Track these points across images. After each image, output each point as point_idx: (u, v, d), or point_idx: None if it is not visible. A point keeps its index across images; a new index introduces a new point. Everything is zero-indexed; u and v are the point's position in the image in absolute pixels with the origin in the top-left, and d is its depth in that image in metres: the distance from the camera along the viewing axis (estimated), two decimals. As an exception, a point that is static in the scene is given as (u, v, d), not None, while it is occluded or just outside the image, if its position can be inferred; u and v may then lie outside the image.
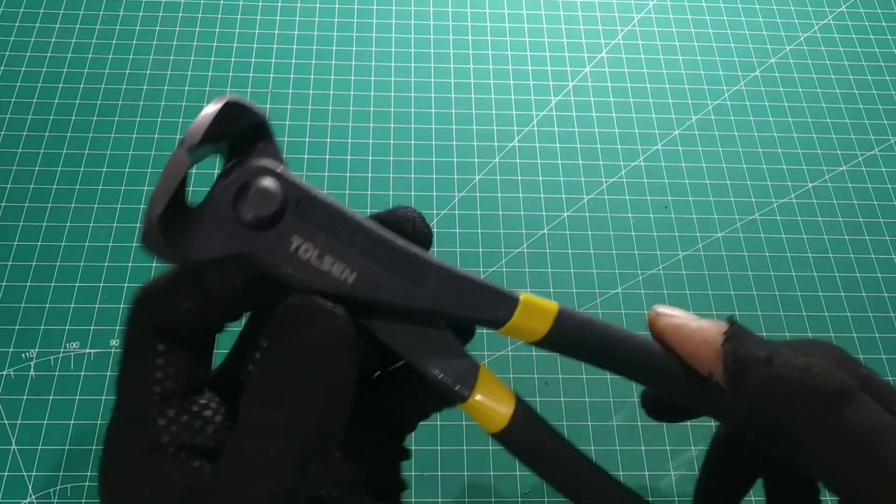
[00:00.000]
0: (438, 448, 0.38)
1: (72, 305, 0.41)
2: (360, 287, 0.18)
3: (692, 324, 0.20)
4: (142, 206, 0.44)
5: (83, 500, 0.36)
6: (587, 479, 0.19)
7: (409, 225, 0.20)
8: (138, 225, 0.17)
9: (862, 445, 0.17)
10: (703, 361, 0.20)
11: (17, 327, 0.40)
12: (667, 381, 0.20)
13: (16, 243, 0.43)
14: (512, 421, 0.19)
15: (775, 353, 0.18)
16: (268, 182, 0.19)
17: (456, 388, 0.19)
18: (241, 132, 0.19)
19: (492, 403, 0.19)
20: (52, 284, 0.41)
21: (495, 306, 0.19)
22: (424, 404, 0.21)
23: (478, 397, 0.19)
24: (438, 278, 0.19)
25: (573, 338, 0.20)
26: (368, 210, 0.45)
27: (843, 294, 0.44)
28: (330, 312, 0.17)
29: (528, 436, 0.19)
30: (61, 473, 0.37)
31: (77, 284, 0.41)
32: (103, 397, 0.38)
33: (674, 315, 0.21)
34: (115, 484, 0.19)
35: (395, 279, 0.19)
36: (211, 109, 0.18)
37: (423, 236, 0.20)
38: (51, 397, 0.38)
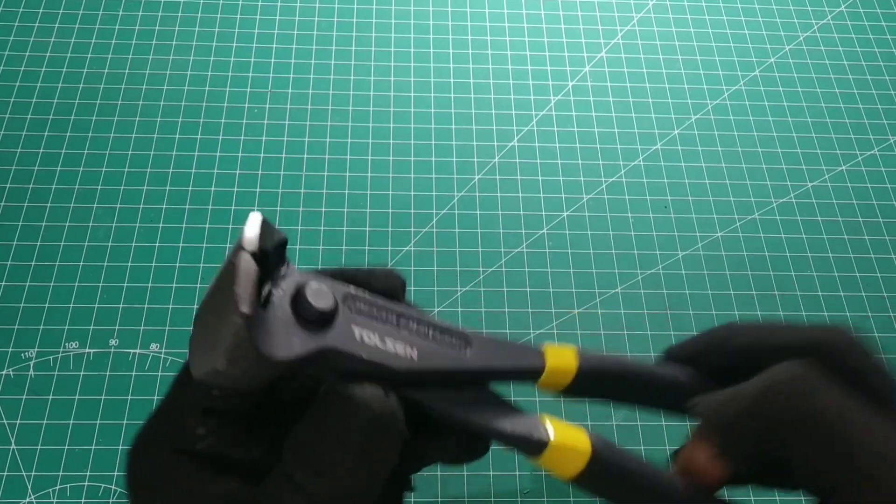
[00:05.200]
0: (438, 448, 0.38)
1: (71, 305, 0.41)
2: (424, 360, 0.20)
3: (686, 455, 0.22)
4: (141, 205, 0.44)
5: (83, 500, 0.36)
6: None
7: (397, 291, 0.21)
8: (194, 344, 0.17)
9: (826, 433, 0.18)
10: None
11: (16, 327, 0.40)
12: (677, 405, 0.22)
13: (15, 243, 0.42)
14: (592, 458, 0.20)
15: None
16: (317, 283, 0.20)
17: (534, 437, 0.20)
18: (271, 250, 0.20)
19: (571, 443, 0.20)
20: (52, 284, 0.41)
21: (531, 358, 0.21)
22: (456, 455, 0.22)
23: (557, 440, 0.20)
24: (479, 343, 0.21)
25: (596, 379, 0.22)
26: (368, 209, 0.45)
27: (842, 294, 0.44)
28: (385, 400, 0.18)
29: (608, 471, 0.20)
30: (61, 473, 0.37)
31: (76, 284, 0.41)
32: (102, 397, 0.38)
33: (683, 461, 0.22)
34: (146, 481, 0.19)
35: (444, 350, 0.20)
36: (253, 224, 0.19)
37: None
38: (50, 397, 0.38)
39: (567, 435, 0.20)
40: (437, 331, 0.20)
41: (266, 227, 0.19)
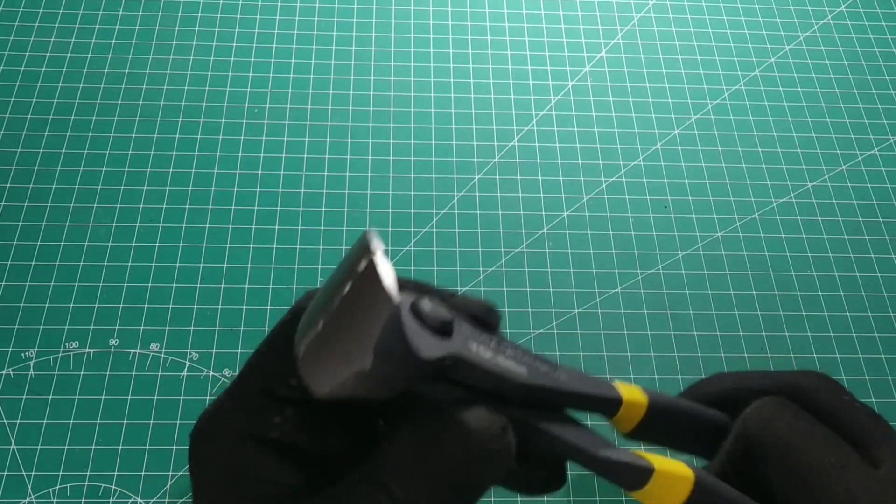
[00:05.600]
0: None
1: (71, 305, 0.41)
2: (534, 377, 0.20)
3: None
4: (141, 205, 0.44)
5: (83, 500, 0.36)
6: None
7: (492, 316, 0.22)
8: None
9: None
10: None
11: (16, 327, 0.40)
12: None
13: (15, 243, 0.42)
14: (696, 484, 0.20)
15: None
16: (427, 299, 0.20)
17: (639, 464, 0.20)
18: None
19: (674, 469, 0.20)
20: (52, 284, 0.41)
21: (607, 387, 0.22)
22: (539, 485, 0.22)
23: (661, 467, 0.20)
24: (563, 369, 0.21)
25: (664, 413, 0.23)
26: (368, 209, 0.45)
27: (842, 293, 0.44)
28: (500, 435, 0.18)
29: (711, 497, 0.20)
30: (60, 473, 0.37)
31: (76, 284, 0.41)
32: (102, 397, 0.38)
33: None
34: (212, 466, 0.19)
35: (543, 370, 0.21)
36: (381, 262, 0.19)
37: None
38: (50, 397, 0.38)
39: (667, 462, 0.20)
40: (529, 355, 0.21)
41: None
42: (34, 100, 0.47)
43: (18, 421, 0.38)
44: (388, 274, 0.18)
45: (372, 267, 0.18)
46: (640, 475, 0.20)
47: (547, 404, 0.21)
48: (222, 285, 0.42)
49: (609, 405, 0.22)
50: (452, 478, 0.18)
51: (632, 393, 0.22)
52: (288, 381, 0.19)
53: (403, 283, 0.20)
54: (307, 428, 0.19)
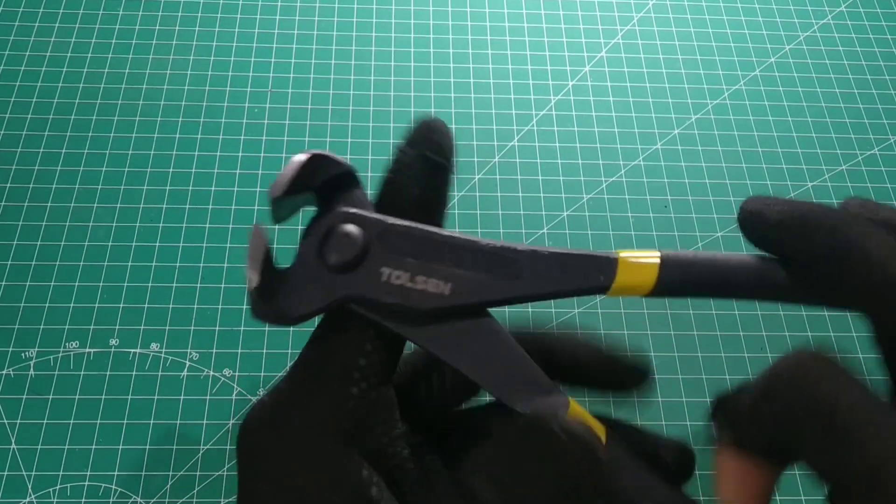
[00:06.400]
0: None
1: (71, 305, 0.41)
2: (457, 296, 0.19)
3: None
4: (141, 204, 0.44)
5: (83, 500, 0.36)
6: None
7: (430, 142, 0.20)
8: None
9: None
10: None
11: (16, 327, 0.40)
12: (774, 288, 0.21)
13: (15, 243, 0.42)
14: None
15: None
16: (348, 226, 0.20)
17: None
18: (327, 183, 0.20)
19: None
20: (52, 284, 0.41)
21: (595, 272, 0.20)
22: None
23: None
24: (532, 264, 0.19)
25: (682, 283, 0.20)
26: (368, 209, 0.45)
27: (842, 294, 0.44)
28: (592, 448, 0.18)
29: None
30: (61, 473, 0.37)
31: (76, 284, 0.41)
32: (103, 397, 0.38)
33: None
34: (275, 463, 0.17)
35: (491, 278, 0.19)
36: (295, 162, 0.19)
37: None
38: (50, 397, 0.38)
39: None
40: (483, 257, 0.19)
41: (318, 162, 0.20)
42: (34, 100, 0.47)
43: (18, 421, 0.38)
44: (256, 249, 0.18)
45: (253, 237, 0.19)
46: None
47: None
48: (222, 285, 0.42)
49: (591, 292, 0.20)
50: (543, 493, 0.17)
51: (634, 275, 0.20)
52: (365, 370, 0.19)
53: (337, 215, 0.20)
54: (379, 417, 0.19)
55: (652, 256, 0.20)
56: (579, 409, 0.20)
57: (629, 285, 0.20)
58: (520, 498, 0.17)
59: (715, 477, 0.20)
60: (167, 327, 0.40)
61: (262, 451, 0.18)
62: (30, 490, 0.36)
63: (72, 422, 0.38)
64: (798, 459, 0.18)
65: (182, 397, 0.39)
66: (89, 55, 0.49)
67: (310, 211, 0.21)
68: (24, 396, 0.38)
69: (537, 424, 0.18)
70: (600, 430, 0.20)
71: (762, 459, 0.19)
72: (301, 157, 0.19)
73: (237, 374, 0.39)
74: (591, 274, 0.20)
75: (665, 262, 0.20)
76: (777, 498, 0.38)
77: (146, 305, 0.41)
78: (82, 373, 0.39)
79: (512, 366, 0.20)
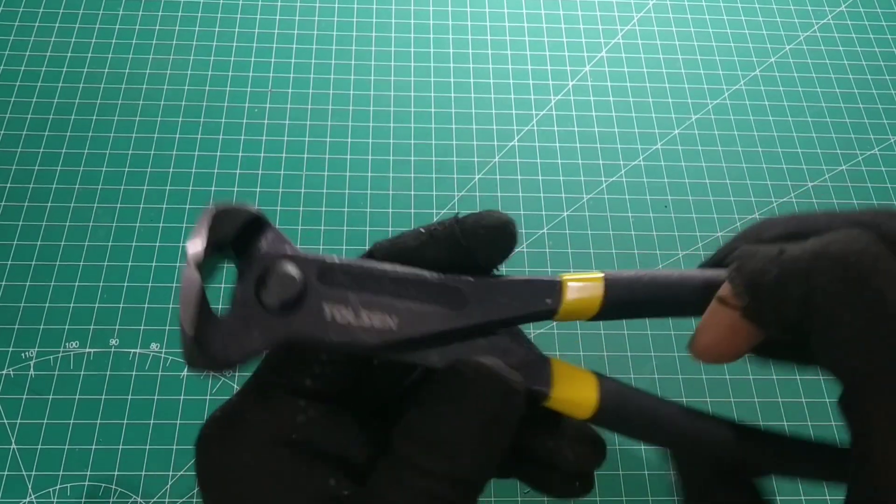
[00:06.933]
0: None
1: (71, 305, 0.41)
2: (405, 328, 0.19)
3: (706, 323, 0.19)
4: (141, 205, 0.44)
5: (83, 500, 0.36)
6: (681, 433, 0.19)
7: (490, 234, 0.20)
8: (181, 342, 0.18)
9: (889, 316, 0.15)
10: (743, 336, 0.19)
11: (16, 327, 0.40)
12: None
13: (15, 243, 0.42)
14: (600, 405, 0.19)
15: (783, 247, 0.17)
16: (284, 265, 0.19)
17: (534, 388, 0.19)
18: (241, 233, 0.20)
19: (573, 395, 0.19)
20: (52, 284, 0.41)
21: (542, 297, 0.20)
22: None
23: (556, 393, 0.19)
24: (477, 293, 0.19)
25: (629, 301, 0.20)
26: (368, 209, 0.45)
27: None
28: (509, 382, 0.18)
29: (618, 413, 0.19)
30: (61, 473, 0.37)
31: (76, 284, 0.41)
32: (103, 397, 0.38)
33: (699, 340, 0.20)
34: (230, 472, 0.18)
35: (436, 308, 0.19)
36: (201, 224, 0.19)
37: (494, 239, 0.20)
38: (50, 397, 0.38)
39: (570, 386, 0.19)
40: (426, 288, 0.19)
41: (223, 214, 0.19)
42: (34, 100, 0.47)
43: (18, 421, 0.38)
44: (189, 295, 0.17)
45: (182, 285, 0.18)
46: (537, 396, 0.19)
47: (443, 341, 0.19)
48: (222, 285, 0.42)
49: (540, 317, 0.20)
50: (468, 429, 0.17)
51: (581, 294, 0.20)
52: (312, 372, 0.19)
53: (265, 256, 0.19)
54: (330, 427, 0.19)
55: (595, 277, 0.20)
56: (565, 365, 0.20)
57: (576, 308, 0.20)
58: (449, 450, 0.17)
59: (700, 322, 0.19)
60: (167, 327, 0.40)
61: (218, 465, 0.18)
62: (30, 490, 0.36)
63: (72, 422, 0.38)
64: (807, 342, 0.17)
65: (182, 397, 0.39)
66: (89, 55, 0.49)
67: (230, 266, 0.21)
68: (24, 396, 0.38)
69: (449, 371, 0.18)
70: (590, 381, 0.19)
71: (763, 328, 0.18)
72: (205, 218, 0.19)
73: (237, 374, 0.39)
74: (537, 299, 0.20)
75: (609, 282, 0.20)
76: (777, 498, 0.38)
77: (146, 305, 0.41)
78: (82, 373, 0.39)
79: (499, 349, 0.19)
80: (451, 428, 0.17)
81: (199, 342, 0.18)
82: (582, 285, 0.20)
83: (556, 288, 0.20)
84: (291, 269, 0.19)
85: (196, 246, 0.18)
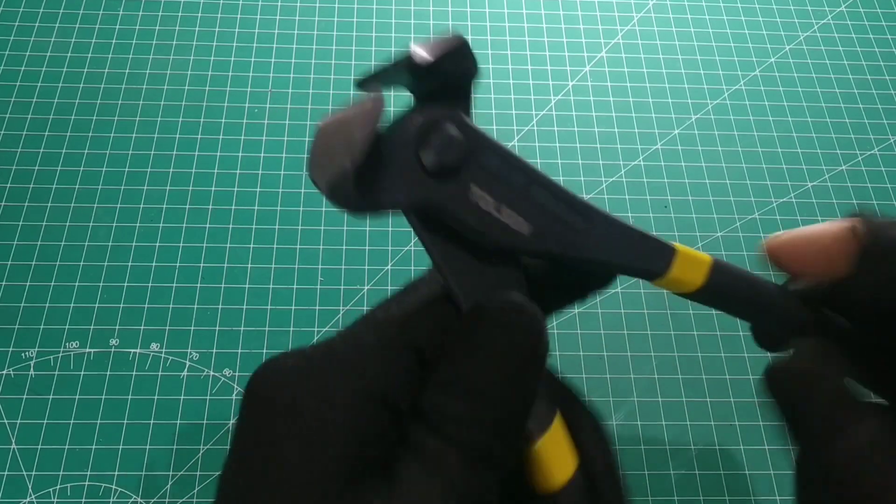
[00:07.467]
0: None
1: (71, 305, 0.41)
2: (534, 240, 0.19)
3: (811, 230, 0.20)
4: (141, 205, 0.44)
5: (83, 500, 0.36)
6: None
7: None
8: (310, 172, 0.17)
9: None
10: (832, 261, 0.19)
11: (16, 327, 0.40)
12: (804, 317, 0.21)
13: (15, 243, 0.43)
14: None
15: None
16: (451, 129, 0.18)
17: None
18: (449, 77, 0.19)
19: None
20: (52, 284, 0.41)
21: (655, 257, 0.20)
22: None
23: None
24: (605, 228, 0.20)
25: (726, 289, 0.20)
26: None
27: (842, 293, 0.44)
28: (536, 318, 0.17)
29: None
30: (61, 473, 0.37)
31: (77, 284, 0.41)
32: (103, 397, 0.38)
33: (789, 233, 0.21)
34: (309, 421, 0.16)
35: (564, 229, 0.19)
36: (453, 41, 0.18)
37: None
38: (50, 397, 0.38)
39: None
40: (566, 206, 0.19)
41: (464, 52, 0.18)
42: (34, 100, 0.47)
43: (18, 421, 0.38)
44: (370, 120, 0.17)
45: (366, 107, 0.17)
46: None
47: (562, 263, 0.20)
48: (222, 285, 0.42)
49: (645, 275, 0.20)
50: (500, 372, 0.17)
51: (687, 271, 0.20)
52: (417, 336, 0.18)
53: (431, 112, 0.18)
54: (413, 387, 0.18)
55: (704, 258, 0.20)
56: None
57: (679, 280, 0.20)
58: (480, 394, 0.16)
59: (802, 228, 0.20)
60: (167, 327, 0.40)
61: (288, 397, 0.17)
62: (30, 490, 0.36)
63: (72, 422, 0.38)
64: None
65: (182, 397, 0.39)
66: (89, 55, 0.49)
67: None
68: (24, 396, 0.38)
69: (474, 311, 0.18)
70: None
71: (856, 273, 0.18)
72: (453, 41, 0.18)
73: (237, 374, 0.39)
74: (651, 257, 0.20)
75: (715, 268, 0.20)
76: (778, 498, 0.38)
77: (146, 305, 0.41)
78: (82, 373, 0.39)
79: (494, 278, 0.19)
80: (484, 368, 0.17)
81: (358, 175, 0.16)
82: (692, 262, 0.20)
83: (670, 254, 0.20)
84: (457, 135, 0.18)
85: (428, 57, 0.17)
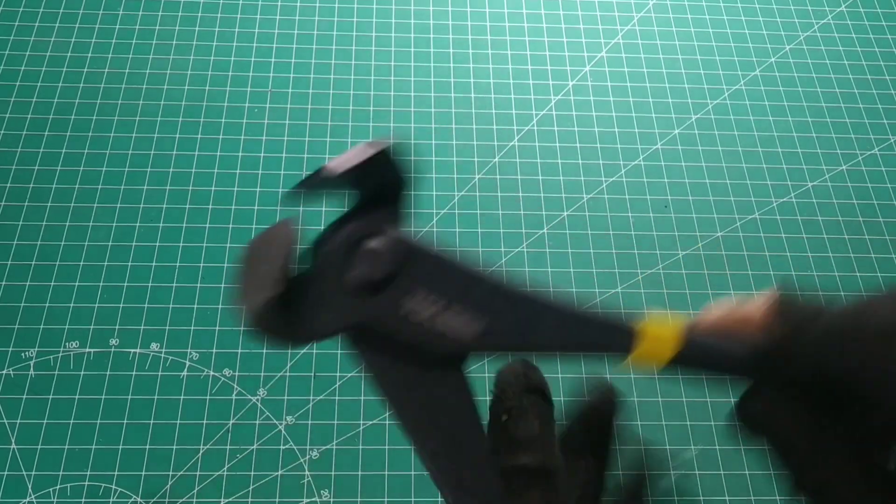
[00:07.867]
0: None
1: (71, 305, 0.41)
2: (480, 339, 0.18)
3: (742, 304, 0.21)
4: (141, 205, 0.44)
5: (83, 500, 0.36)
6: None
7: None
8: (239, 303, 0.17)
9: None
10: (753, 326, 0.20)
11: (16, 327, 0.40)
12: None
13: (15, 242, 0.42)
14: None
15: (825, 308, 0.18)
16: (375, 244, 0.18)
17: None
18: (375, 186, 0.18)
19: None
20: (52, 284, 0.41)
21: (615, 341, 0.19)
22: None
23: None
24: (555, 319, 0.19)
25: (693, 365, 0.20)
26: (368, 209, 0.45)
27: (842, 293, 0.44)
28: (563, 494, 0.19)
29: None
30: (61, 473, 0.37)
31: (76, 284, 0.41)
32: (103, 397, 0.38)
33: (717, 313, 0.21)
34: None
35: (512, 325, 0.18)
36: (364, 152, 0.17)
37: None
38: (50, 397, 0.38)
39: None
40: (510, 302, 0.18)
41: (382, 161, 0.18)
42: (34, 100, 0.47)
43: (19, 421, 0.38)
44: (284, 251, 0.16)
45: (281, 233, 0.17)
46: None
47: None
48: (222, 285, 0.42)
49: (609, 356, 0.20)
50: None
51: (654, 346, 0.19)
52: None
53: (357, 228, 0.18)
54: None
55: (672, 333, 0.19)
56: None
57: (645, 357, 0.19)
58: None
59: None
60: (167, 327, 0.40)
61: None
62: (30, 490, 0.36)
63: (72, 422, 0.38)
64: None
65: (182, 397, 0.39)
66: (89, 55, 0.49)
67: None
68: (24, 396, 0.38)
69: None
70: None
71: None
72: (370, 151, 0.17)
73: (237, 374, 0.39)
74: (610, 342, 0.19)
75: (686, 342, 0.19)
76: (777, 498, 0.38)
77: (146, 305, 0.41)
78: (82, 373, 0.39)
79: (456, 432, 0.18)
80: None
81: (282, 302, 0.16)
82: (657, 340, 0.19)
83: (629, 337, 0.19)
84: (381, 250, 0.18)
85: (337, 170, 0.16)
